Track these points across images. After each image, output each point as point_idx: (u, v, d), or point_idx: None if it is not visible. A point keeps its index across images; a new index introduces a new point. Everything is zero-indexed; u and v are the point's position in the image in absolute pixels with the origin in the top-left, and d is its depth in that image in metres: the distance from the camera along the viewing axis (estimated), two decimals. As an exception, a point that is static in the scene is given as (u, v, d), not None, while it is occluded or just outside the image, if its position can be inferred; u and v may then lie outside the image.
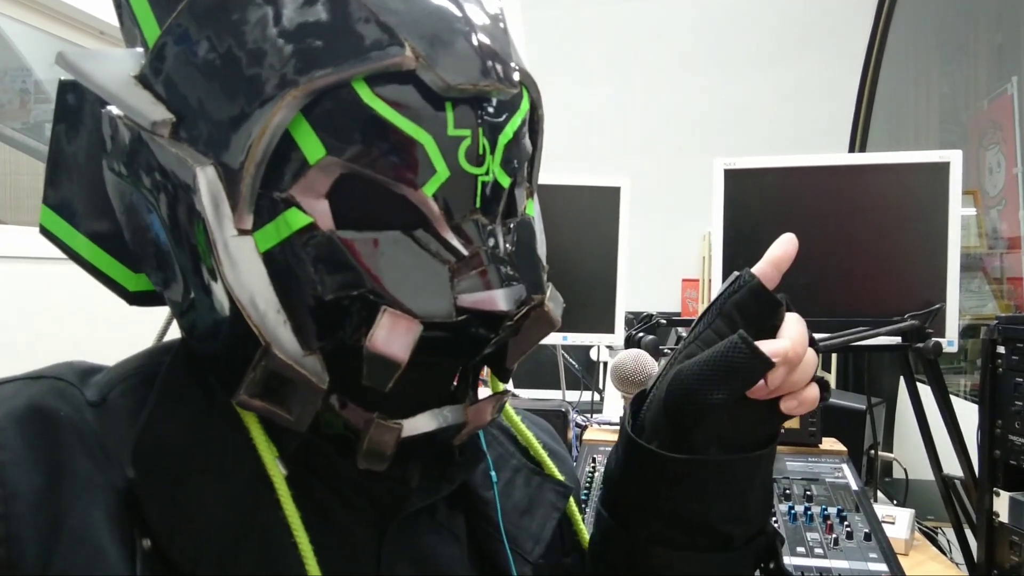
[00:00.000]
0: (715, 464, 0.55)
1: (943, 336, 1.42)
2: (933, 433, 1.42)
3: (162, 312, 0.59)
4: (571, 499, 0.67)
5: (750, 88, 4.20)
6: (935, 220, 1.46)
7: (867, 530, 1.19)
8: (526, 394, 2.14)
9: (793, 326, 0.55)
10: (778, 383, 0.52)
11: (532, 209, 0.56)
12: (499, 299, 0.47)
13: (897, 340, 1.39)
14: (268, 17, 0.44)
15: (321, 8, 0.44)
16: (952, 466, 1.38)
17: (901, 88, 3.98)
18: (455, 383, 0.57)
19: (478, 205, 0.48)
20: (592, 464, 1.43)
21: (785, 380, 0.52)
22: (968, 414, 1.32)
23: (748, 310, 0.55)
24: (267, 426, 0.50)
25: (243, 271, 0.45)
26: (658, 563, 0.58)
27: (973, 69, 3.43)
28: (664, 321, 1.49)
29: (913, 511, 1.41)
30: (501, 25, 0.50)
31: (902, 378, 1.79)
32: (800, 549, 1.16)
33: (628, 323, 1.73)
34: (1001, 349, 1.17)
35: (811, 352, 0.54)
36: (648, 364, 1.16)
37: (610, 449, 1.46)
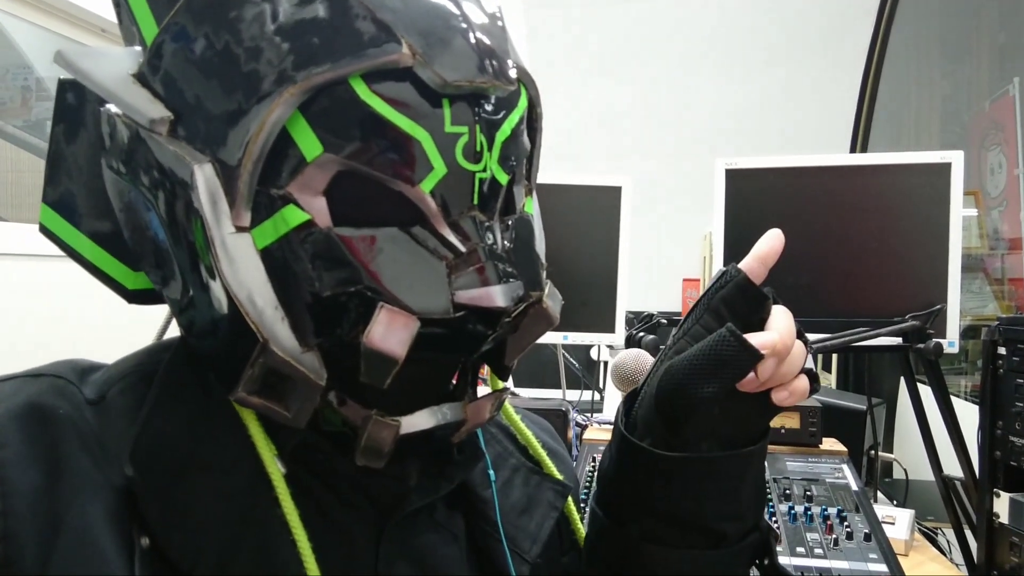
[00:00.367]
0: (707, 461, 0.55)
1: (944, 337, 1.42)
2: (933, 434, 1.42)
3: (162, 310, 0.59)
4: (569, 498, 0.67)
5: (752, 88, 4.20)
6: (936, 221, 1.46)
7: (867, 530, 1.19)
8: (526, 393, 2.14)
9: (780, 318, 0.55)
10: (768, 375, 0.52)
11: (531, 207, 0.56)
12: (496, 295, 0.47)
13: (898, 341, 1.39)
14: (265, 14, 0.44)
15: (318, 5, 0.44)
16: (952, 467, 1.39)
17: (902, 89, 3.98)
18: (454, 381, 0.57)
19: (475, 202, 0.48)
20: (592, 463, 1.43)
21: (775, 372, 0.52)
22: (968, 415, 1.32)
23: (735, 305, 0.56)
24: (266, 424, 0.50)
25: (241, 268, 0.45)
26: (652, 561, 0.58)
27: (975, 70, 3.43)
28: (665, 321, 1.49)
29: (913, 512, 1.41)
30: (499, 23, 0.50)
31: (903, 379, 1.79)
32: (800, 549, 1.16)
33: (629, 323, 1.73)
34: (1002, 350, 1.17)
35: (799, 344, 0.55)
36: (649, 364, 1.16)
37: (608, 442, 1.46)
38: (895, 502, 1.81)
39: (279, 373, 0.46)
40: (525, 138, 0.52)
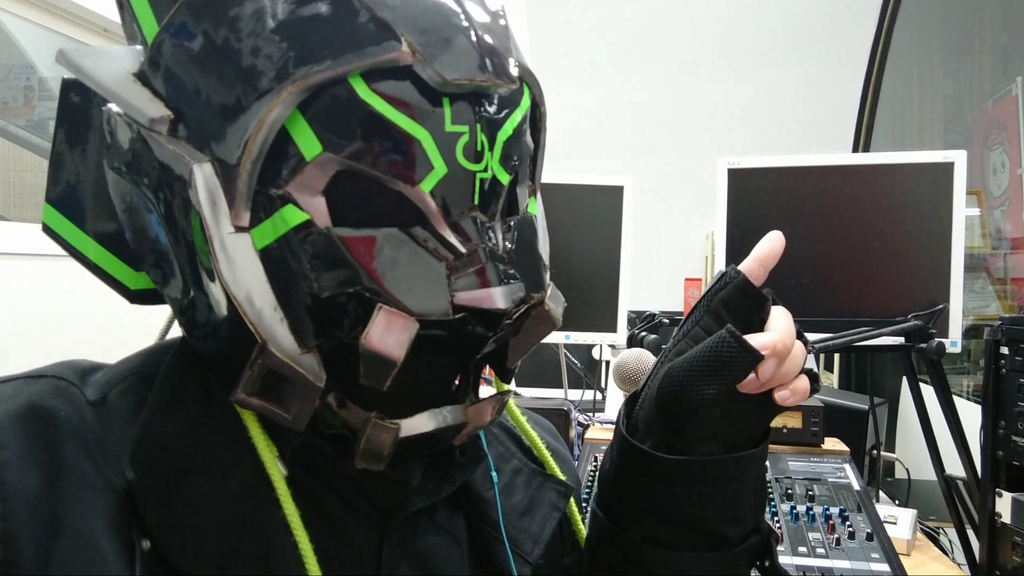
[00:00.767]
0: (708, 464, 0.55)
1: (946, 336, 1.42)
2: (936, 433, 1.42)
3: (164, 310, 0.59)
4: (571, 499, 0.67)
5: (754, 88, 4.20)
6: (939, 220, 1.46)
7: (869, 530, 1.19)
8: (528, 392, 2.14)
9: (780, 319, 0.55)
10: (769, 375, 0.52)
11: (534, 207, 0.55)
12: (497, 297, 0.46)
13: (900, 340, 1.39)
14: (265, 11, 0.44)
15: (319, 3, 0.44)
16: (954, 467, 1.38)
17: (905, 88, 3.98)
18: (456, 382, 0.56)
19: (476, 202, 0.47)
20: (594, 463, 1.43)
21: (776, 372, 0.52)
22: (971, 415, 1.32)
23: (735, 306, 0.56)
24: (267, 425, 0.50)
25: (240, 268, 0.45)
26: (653, 563, 0.58)
27: (977, 69, 3.43)
28: (667, 320, 1.49)
29: (915, 511, 1.41)
30: (502, 22, 0.49)
31: (905, 378, 1.79)
32: (802, 549, 1.16)
33: (631, 322, 1.73)
34: (1004, 350, 1.16)
35: (799, 344, 0.55)
36: (650, 363, 1.16)
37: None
38: (897, 502, 1.81)
39: (278, 375, 0.46)
40: (528, 137, 0.52)
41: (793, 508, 1.24)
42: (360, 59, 0.43)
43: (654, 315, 1.47)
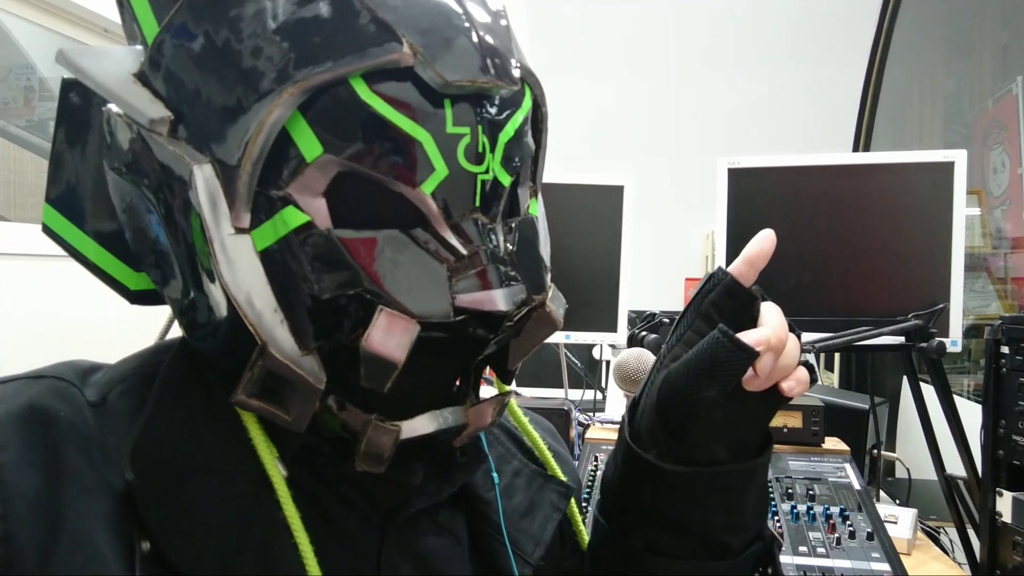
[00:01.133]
0: (713, 474, 0.55)
1: (947, 336, 1.42)
2: (936, 433, 1.42)
3: (164, 311, 0.59)
4: (572, 500, 0.67)
5: (754, 87, 4.20)
6: (939, 220, 1.46)
7: (869, 530, 1.19)
8: (528, 392, 2.14)
9: (770, 314, 0.55)
10: (768, 370, 0.52)
11: (535, 208, 0.55)
12: (498, 299, 0.46)
13: (901, 340, 1.39)
14: (266, 12, 0.44)
15: (320, 4, 0.44)
16: (955, 466, 1.38)
17: (905, 87, 3.98)
18: (457, 383, 0.56)
19: (477, 204, 0.47)
20: (595, 463, 1.43)
21: (775, 366, 0.52)
22: (971, 414, 1.31)
23: (725, 307, 0.56)
24: (267, 427, 0.50)
25: (240, 270, 0.45)
26: (655, 571, 0.58)
27: (978, 68, 3.43)
28: (667, 320, 1.49)
29: (916, 511, 1.41)
30: (503, 22, 0.49)
31: (905, 378, 1.79)
32: (803, 549, 1.15)
33: (631, 322, 1.73)
34: (1005, 349, 1.16)
35: (792, 336, 0.55)
36: (651, 363, 1.16)
37: (613, 448, 1.46)
38: (897, 501, 1.81)
39: (278, 376, 0.46)
40: (529, 139, 0.51)
41: (793, 508, 1.24)
42: (361, 60, 0.43)
43: (654, 315, 1.47)
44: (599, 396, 2.17)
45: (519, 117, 0.49)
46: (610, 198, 1.76)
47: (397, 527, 0.54)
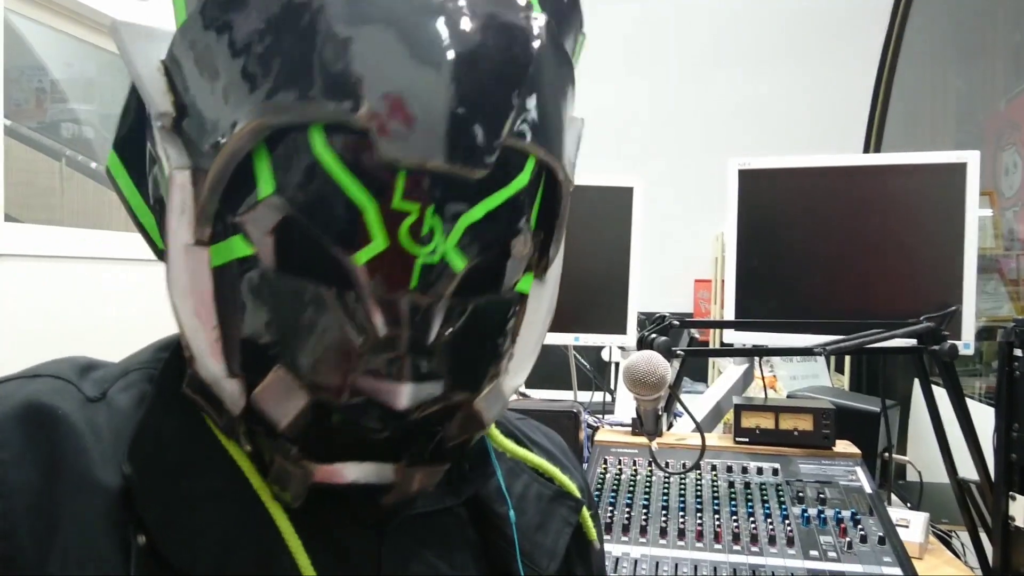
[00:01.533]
0: None
1: (959, 338, 1.41)
2: (948, 436, 1.41)
3: (165, 312, 0.59)
4: (584, 510, 0.66)
5: (764, 88, 4.18)
6: (951, 221, 1.45)
7: (881, 533, 1.18)
8: (537, 394, 2.13)
9: None
10: None
11: (527, 284, 0.52)
12: (400, 394, 0.44)
13: (912, 342, 1.38)
14: (258, 36, 0.43)
15: (310, 38, 0.41)
16: (967, 469, 1.37)
17: (917, 88, 3.96)
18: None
19: (413, 285, 0.43)
20: (603, 465, 1.42)
21: None
22: (984, 417, 1.30)
23: None
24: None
25: (191, 280, 0.45)
26: None
27: (990, 69, 3.41)
28: (677, 322, 1.48)
29: (928, 515, 1.40)
30: (514, 86, 0.43)
31: (917, 380, 1.78)
32: (813, 553, 1.15)
33: (640, 324, 1.72)
34: (1018, 352, 1.16)
35: None
36: (660, 366, 1.15)
37: (621, 450, 1.46)
38: (909, 505, 1.80)
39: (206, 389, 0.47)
40: (522, 218, 0.47)
41: (804, 511, 1.24)
42: (317, 112, 0.41)
43: (664, 317, 1.46)
44: (608, 398, 2.17)
45: (499, 198, 0.45)
46: (619, 199, 1.76)
47: (396, 528, 0.54)
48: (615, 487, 1.35)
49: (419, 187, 0.42)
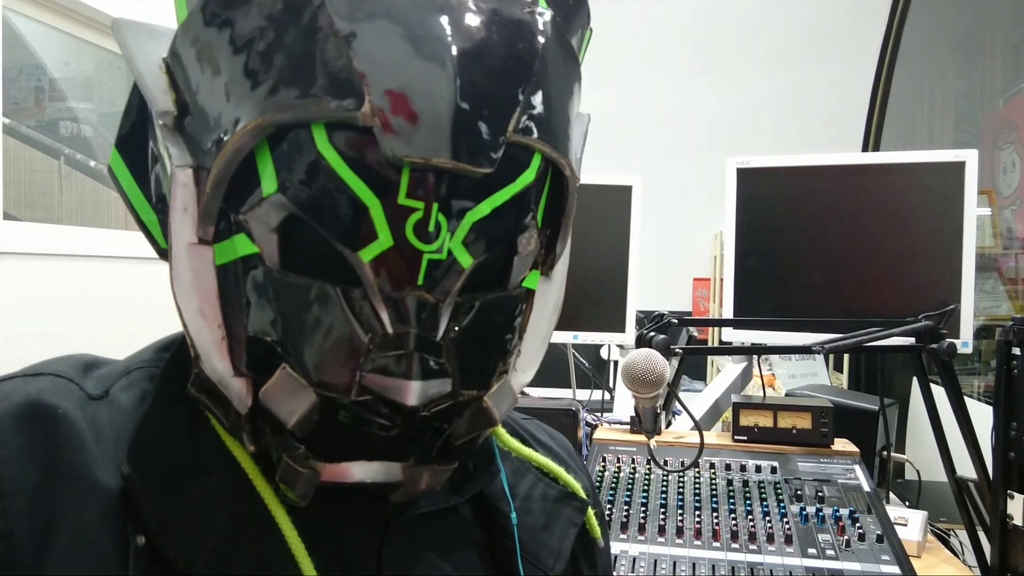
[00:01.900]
0: None
1: (957, 337, 1.41)
2: (946, 434, 1.41)
3: (165, 311, 0.59)
4: (590, 510, 0.66)
5: (763, 87, 4.19)
6: (950, 220, 1.45)
7: (879, 532, 1.18)
8: (536, 392, 2.14)
9: None
10: None
11: (534, 281, 0.52)
12: (409, 391, 0.43)
13: (911, 341, 1.38)
14: (260, 36, 0.43)
15: (312, 37, 0.41)
16: (965, 468, 1.37)
17: (915, 87, 3.96)
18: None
19: (420, 283, 0.43)
20: (602, 463, 1.42)
21: None
22: (982, 416, 1.31)
23: None
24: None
25: (195, 279, 0.45)
26: None
27: (988, 68, 3.41)
28: (676, 320, 1.48)
29: (926, 513, 1.40)
30: (518, 83, 0.43)
31: (915, 379, 1.78)
32: (811, 551, 1.15)
33: (639, 322, 1.72)
34: (1016, 350, 1.16)
35: None
36: (659, 364, 1.16)
37: (620, 448, 1.46)
38: (907, 503, 1.80)
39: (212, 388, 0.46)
40: (528, 214, 0.47)
41: (803, 509, 1.24)
42: (320, 109, 0.41)
43: (663, 315, 1.46)
44: (607, 396, 2.17)
45: (505, 195, 0.44)
46: (618, 198, 1.76)
47: (397, 527, 0.54)
48: (614, 485, 1.35)
49: (424, 184, 0.42)
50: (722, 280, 1.84)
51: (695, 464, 1.36)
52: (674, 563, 1.14)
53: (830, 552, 1.15)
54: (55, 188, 2.59)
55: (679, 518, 1.24)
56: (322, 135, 0.41)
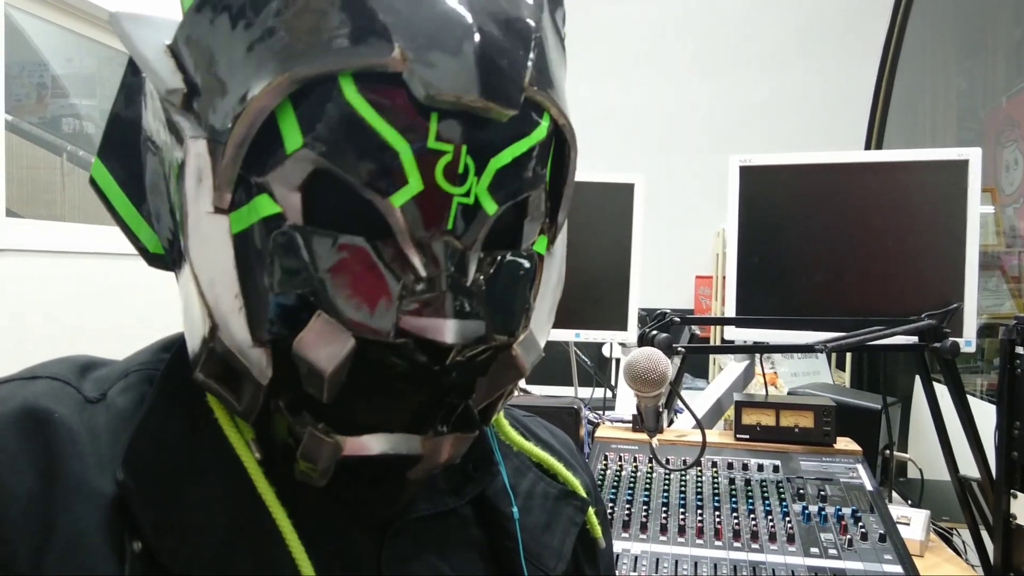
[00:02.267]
0: None
1: (960, 336, 1.40)
2: (949, 433, 1.41)
3: (166, 309, 0.59)
4: (590, 510, 0.66)
5: (766, 85, 4.18)
6: (953, 218, 1.45)
7: (882, 531, 1.18)
8: (538, 390, 2.14)
9: None
10: None
11: (543, 247, 0.53)
12: (446, 329, 0.44)
13: (914, 340, 1.38)
14: (275, 1, 0.44)
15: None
16: (968, 467, 1.37)
17: (918, 85, 3.95)
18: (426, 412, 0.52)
19: (450, 227, 0.44)
20: (604, 461, 1.42)
21: None
22: (985, 414, 1.30)
23: None
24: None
25: (211, 249, 0.45)
26: None
27: (991, 66, 3.40)
28: (677, 319, 1.48)
29: (928, 512, 1.40)
30: (524, 43, 0.45)
31: (918, 378, 1.78)
32: (814, 550, 1.15)
33: (641, 320, 1.72)
34: (1019, 349, 1.15)
35: None
36: (661, 362, 1.15)
37: (622, 447, 1.46)
38: (910, 502, 1.80)
39: (229, 362, 0.46)
40: (541, 171, 0.49)
41: (805, 508, 1.23)
42: (349, 59, 0.42)
43: (665, 313, 1.46)
44: (609, 394, 2.17)
45: (523, 146, 0.46)
46: (620, 196, 1.76)
47: (397, 529, 0.54)
48: (615, 483, 1.35)
49: (453, 128, 0.43)
50: (724, 278, 1.84)
51: (697, 463, 1.36)
52: (676, 562, 1.14)
53: (832, 551, 1.14)
54: (57, 185, 2.59)
55: (681, 517, 1.24)
56: (350, 85, 0.42)
